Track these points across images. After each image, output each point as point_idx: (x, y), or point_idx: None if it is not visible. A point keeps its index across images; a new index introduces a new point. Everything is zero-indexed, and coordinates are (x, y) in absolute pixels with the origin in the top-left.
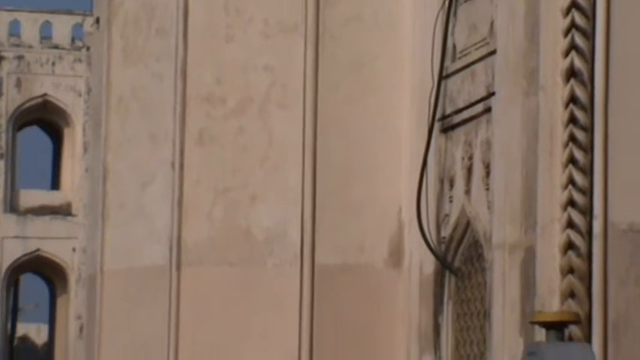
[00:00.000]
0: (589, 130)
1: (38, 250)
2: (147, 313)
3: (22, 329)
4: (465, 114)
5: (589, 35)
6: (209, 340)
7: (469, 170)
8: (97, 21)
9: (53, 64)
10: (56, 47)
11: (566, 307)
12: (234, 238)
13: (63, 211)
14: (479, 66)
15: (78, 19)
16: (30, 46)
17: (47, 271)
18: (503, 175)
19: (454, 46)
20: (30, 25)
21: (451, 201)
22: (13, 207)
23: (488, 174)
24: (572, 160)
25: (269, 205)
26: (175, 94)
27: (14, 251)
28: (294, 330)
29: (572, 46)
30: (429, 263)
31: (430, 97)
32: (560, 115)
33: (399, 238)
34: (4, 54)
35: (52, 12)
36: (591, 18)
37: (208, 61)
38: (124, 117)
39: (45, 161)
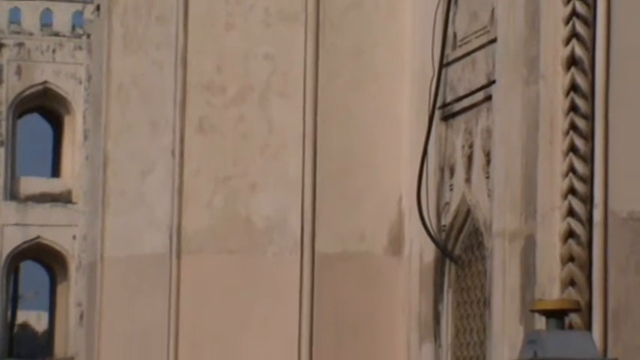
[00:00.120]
0: (589, 118)
1: (38, 237)
2: (147, 300)
3: (22, 316)
4: (466, 102)
5: (590, 23)
6: (209, 328)
7: (469, 158)
8: (98, 8)
9: (53, 51)
10: (56, 35)
11: (567, 296)
12: (234, 227)
13: (63, 198)
14: (479, 54)
15: (78, 6)
16: (30, 34)
17: (47, 259)
18: (504, 164)
19: (455, 34)
20: (30, 12)
21: (451, 189)
22: (13, 194)
23: (488, 162)
24: (572, 149)
25: (269, 193)
26: (175, 82)
27: (14, 239)
28: (294, 318)
29: (573, 34)
30: (430, 251)
31: (430, 85)
32: (561, 103)
33: (400, 227)
34: (5, 41)
35: None
36: (592, 6)
37: (209, 49)
38: (124, 105)
39: (45, 149)
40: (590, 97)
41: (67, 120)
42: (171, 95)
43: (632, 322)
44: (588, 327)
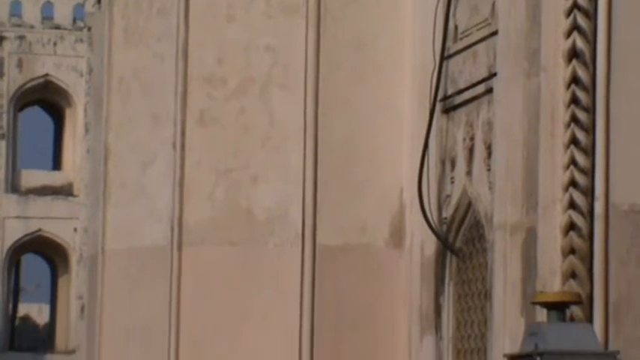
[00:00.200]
0: (591, 110)
1: (40, 230)
2: (148, 293)
3: (23, 309)
4: (467, 95)
5: (591, 16)
6: (210, 319)
7: (470, 151)
8: (99, 1)
9: (55, 44)
10: (58, 27)
11: (568, 288)
12: (235, 219)
13: (64, 191)
14: (480, 47)
15: None
16: (31, 27)
17: (49, 252)
18: (505, 156)
19: (456, 27)
20: (31, 5)
21: (452, 182)
22: (14, 187)
23: (489, 155)
24: (573, 141)
25: (270, 185)
26: (176, 75)
27: (16, 231)
28: (295, 310)
29: (574, 27)
30: (431, 244)
31: (431, 77)
32: (562, 95)
33: (401, 219)
34: (6, 34)
35: None
36: None
37: (210, 41)
38: (125, 97)
39: (46, 141)
40: (591, 90)
41: (68, 113)
42: (172, 88)
43: (633, 314)
44: (589, 319)
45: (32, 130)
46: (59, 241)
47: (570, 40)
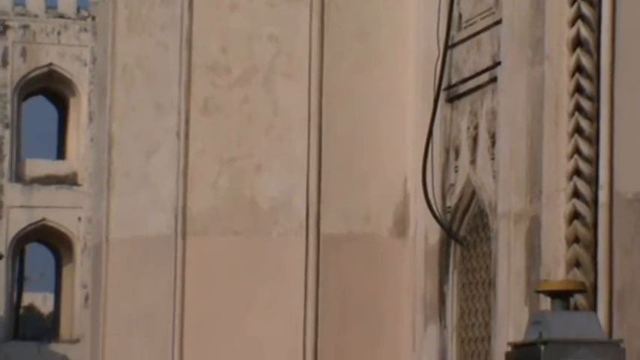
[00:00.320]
0: (595, 99)
1: (44, 219)
2: (152, 282)
3: (27, 298)
4: (471, 84)
5: (595, 4)
6: (214, 309)
7: (474, 140)
8: None
9: (59, 33)
10: (61, 17)
11: (572, 277)
12: (239, 208)
13: (68, 180)
14: (484, 35)
15: None
16: (35, 16)
17: (53, 241)
18: (509, 145)
19: (460, 16)
20: None
21: (456, 171)
22: (18, 176)
23: (493, 144)
24: (577, 130)
25: (274, 174)
26: (180, 63)
27: (20, 221)
28: (299, 299)
29: (579, 15)
30: (435, 233)
31: (435, 66)
32: (566, 84)
33: (405, 208)
34: (10, 23)
35: None
36: None
37: (213, 30)
38: (129, 86)
39: (50, 131)
40: (595, 79)
41: (72, 102)
42: (176, 76)
43: (637, 303)
44: (593, 308)
45: (36, 120)
46: (63, 230)
47: (574, 28)
